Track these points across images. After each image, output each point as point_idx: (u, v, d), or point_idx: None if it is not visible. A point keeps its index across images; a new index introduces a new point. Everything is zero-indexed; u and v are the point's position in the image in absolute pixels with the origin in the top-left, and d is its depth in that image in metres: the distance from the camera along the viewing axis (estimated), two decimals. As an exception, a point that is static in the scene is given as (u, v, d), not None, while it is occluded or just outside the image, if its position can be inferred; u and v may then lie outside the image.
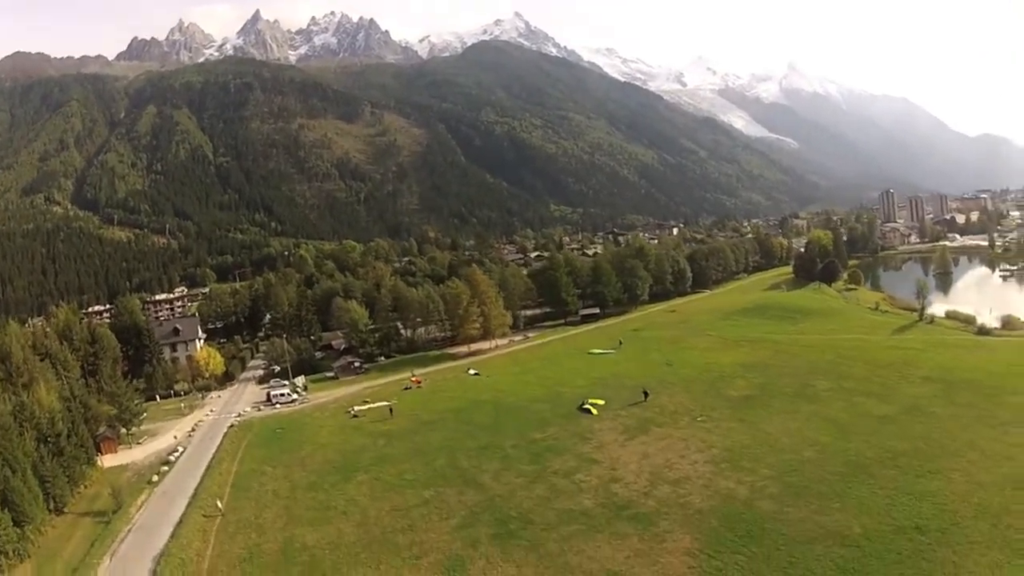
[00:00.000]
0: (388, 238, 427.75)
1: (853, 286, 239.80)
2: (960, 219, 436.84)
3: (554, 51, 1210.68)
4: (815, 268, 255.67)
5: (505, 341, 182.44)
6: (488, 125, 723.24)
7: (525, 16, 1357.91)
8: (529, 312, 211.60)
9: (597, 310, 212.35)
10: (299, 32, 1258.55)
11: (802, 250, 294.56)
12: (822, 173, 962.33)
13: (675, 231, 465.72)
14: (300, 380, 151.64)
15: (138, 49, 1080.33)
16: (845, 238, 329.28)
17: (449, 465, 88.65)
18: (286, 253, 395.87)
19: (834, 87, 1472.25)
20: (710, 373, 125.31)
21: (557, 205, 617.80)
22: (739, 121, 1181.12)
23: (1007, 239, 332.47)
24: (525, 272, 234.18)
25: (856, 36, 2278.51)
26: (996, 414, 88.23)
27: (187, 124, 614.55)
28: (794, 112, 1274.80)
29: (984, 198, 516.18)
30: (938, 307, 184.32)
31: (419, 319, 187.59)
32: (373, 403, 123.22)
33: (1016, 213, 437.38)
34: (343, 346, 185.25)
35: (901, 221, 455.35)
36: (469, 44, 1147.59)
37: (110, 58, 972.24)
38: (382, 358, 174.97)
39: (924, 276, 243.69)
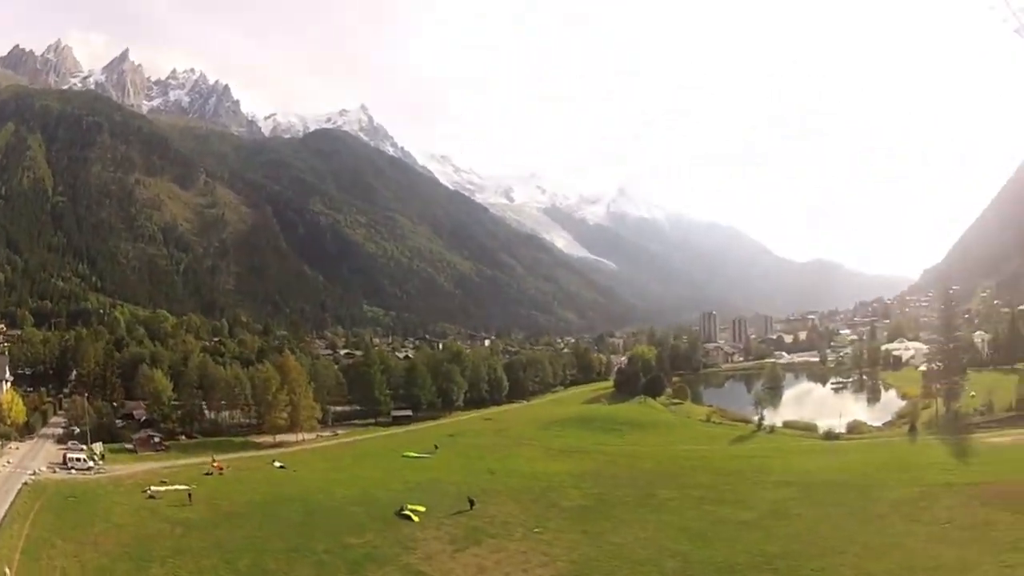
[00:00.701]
0: (202, 314, 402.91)
1: (679, 400, 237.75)
2: (788, 338, 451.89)
3: (391, 150, 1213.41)
4: (638, 382, 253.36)
5: (313, 436, 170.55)
6: (314, 215, 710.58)
7: (371, 110, 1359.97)
8: (339, 408, 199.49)
9: (410, 412, 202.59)
10: (157, 83, 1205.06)
11: (624, 364, 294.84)
12: (641, 295, 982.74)
13: (487, 343, 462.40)
14: (98, 447, 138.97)
15: (16, 58, 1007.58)
16: (667, 354, 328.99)
17: (255, 566, 74.66)
18: (101, 311, 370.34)
19: (661, 213, 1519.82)
20: (539, 482, 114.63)
21: (371, 306, 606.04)
22: (561, 240, 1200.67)
23: (840, 354, 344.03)
24: (337, 367, 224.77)
25: (690, 166, 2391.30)
26: (871, 509, 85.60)
27: (37, 152, 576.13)
28: (618, 235, 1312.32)
29: (811, 319, 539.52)
30: (772, 418, 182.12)
31: (224, 401, 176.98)
32: (171, 485, 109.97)
33: (847, 331, 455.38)
34: (144, 417, 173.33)
35: (723, 341, 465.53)
36: (312, 129, 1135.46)
37: None
38: (183, 437, 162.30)
39: (748, 392, 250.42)
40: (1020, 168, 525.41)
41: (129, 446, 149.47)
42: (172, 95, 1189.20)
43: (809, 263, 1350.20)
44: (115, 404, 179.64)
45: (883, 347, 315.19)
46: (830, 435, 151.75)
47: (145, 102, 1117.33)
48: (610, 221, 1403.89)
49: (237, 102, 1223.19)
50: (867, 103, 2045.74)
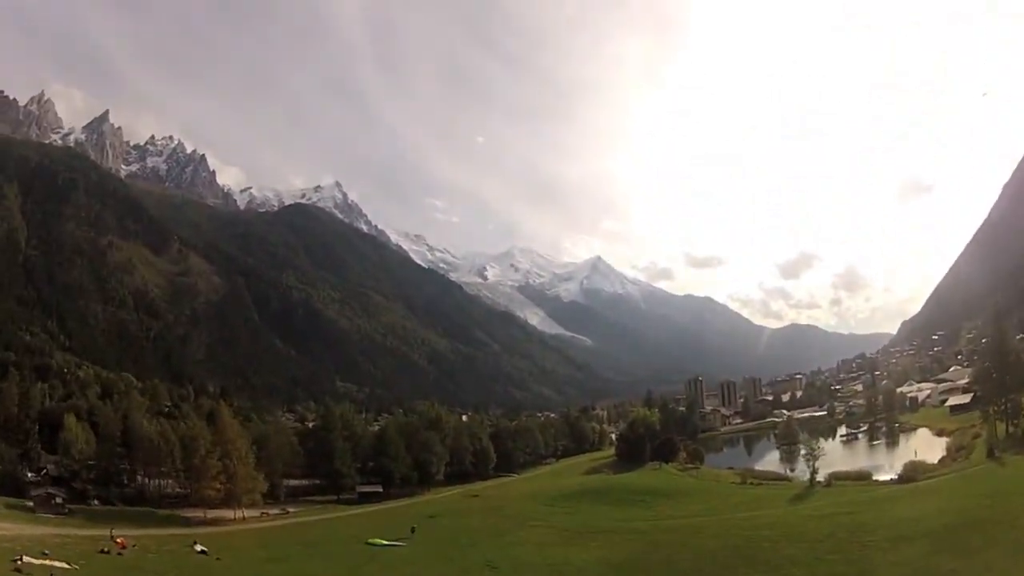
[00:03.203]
0: (170, 383, 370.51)
1: (695, 464, 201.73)
2: (785, 397, 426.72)
3: (365, 228, 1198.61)
4: (644, 448, 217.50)
5: (256, 513, 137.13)
6: (287, 289, 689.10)
7: (345, 187, 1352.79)
8: (294, 482, 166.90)
9: (380, 488, 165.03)
10: (136, 147, 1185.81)
11: (624, 430, 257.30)
12: (616, 368, 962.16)
13: (464, 418, 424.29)
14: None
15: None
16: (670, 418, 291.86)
17: None
18: (65, 371, 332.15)
19: (636, 288, 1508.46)
20: None
21: (343, 382, 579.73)
22: (535, 318, 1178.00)
23: (849, 404, 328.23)
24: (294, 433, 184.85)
25: (662, 239, 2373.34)
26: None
27: (11, 203, 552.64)
28: (592, 310, 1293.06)
29: (800, 378, 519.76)
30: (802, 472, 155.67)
31: (149, 464, 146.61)
32: (52, 560, 77.64)
33: (837, 386, 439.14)
34: (55, 474, 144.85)
35: (710, 407, 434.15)
36: (286, 204, 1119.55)
37: None
38: (96, 501, 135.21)
39: (748, 455, 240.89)
40: (993, 209, 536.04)
41: (30, 504, 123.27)
42: (150, 161, 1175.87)
43: (784, 327, 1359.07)
44: (31, 455, 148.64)
45: (898, 390, 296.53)
46: (907, 477, 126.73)
47: (123, 166, 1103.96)
48: (584, 298, 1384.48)
49: (213, 173, 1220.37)
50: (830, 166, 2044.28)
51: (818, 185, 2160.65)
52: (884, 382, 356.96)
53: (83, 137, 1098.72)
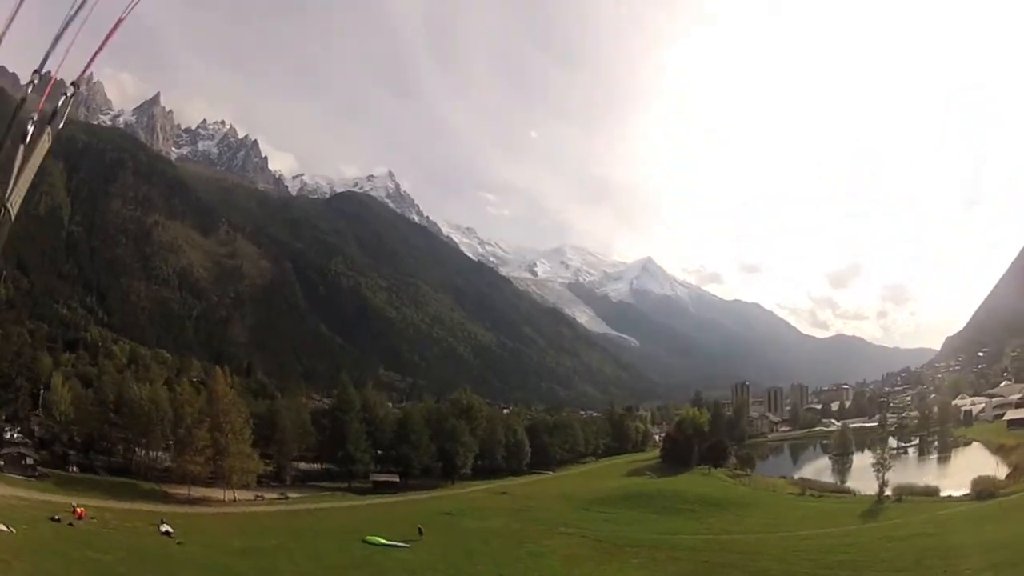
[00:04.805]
0: (208, 363, 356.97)
1: (745, 471, 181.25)
2: (833, 406, 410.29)
3: (416, 218, 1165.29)
4: (692, 451, 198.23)
5: (250, 496, 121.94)
6: (335, 275, 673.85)
7: (398, 178, 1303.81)
8: (306, 466, 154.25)
9: (396, 479, 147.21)
10: (187, 131, 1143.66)
11: (671, 431, 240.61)
12: (662, 371, 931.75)
13: (505, 412, 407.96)
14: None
15: (45, 87, 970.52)
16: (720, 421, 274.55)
17: None
18: (99, 344, 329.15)
19: (684, 291, 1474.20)
20: None
21: (387, 371, 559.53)
22: (584, 316, 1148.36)
23: (901, 416, 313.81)
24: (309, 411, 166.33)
25: (712, 243, 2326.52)
26: None
27: (56, 180, 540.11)
28: (641, 311, 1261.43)
29: (846, 388, 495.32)
30: (860, 485, 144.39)
31: (138, 432, 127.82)
32: None
33: (908, 398, 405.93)
34: (41, 435, 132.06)
35: (756, 413, 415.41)
36: (338, 191, 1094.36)
37: (23, 82, 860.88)
38: (75, 468, 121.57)
39: (793, 463, 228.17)
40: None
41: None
42: (201, 145, 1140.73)
43: (831, 338, 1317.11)
44: (19, 415, 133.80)
45: (953, 402, 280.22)
46: (980, 494, 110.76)
47: (174, 149, 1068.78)
48: (633, 298, 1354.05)
49: (265, 158, 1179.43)
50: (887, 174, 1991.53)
51: (869, 196, 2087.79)
52: (932, 395, 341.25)
53: (133, 119, 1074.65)
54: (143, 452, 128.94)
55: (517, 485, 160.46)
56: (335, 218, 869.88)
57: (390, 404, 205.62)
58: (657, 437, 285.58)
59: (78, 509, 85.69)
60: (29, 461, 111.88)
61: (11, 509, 78.03)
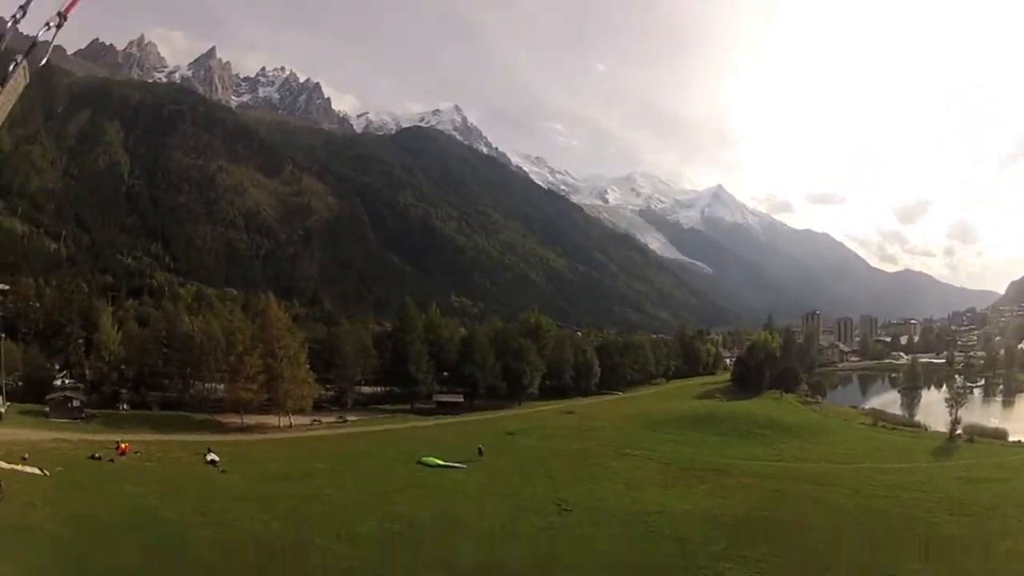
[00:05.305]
0: (281, 299, 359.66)
1: (816, 398, 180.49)
2: (902, 340, 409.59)
3: (484, 150, 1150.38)
4: (763, 376, 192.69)
5: (307, 420, 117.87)
6: (404, 207, 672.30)
7: (464, 111, 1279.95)
8: (368, 389, 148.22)
9: (461, 399, 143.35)
10: (246, 79, 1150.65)
11: (743, 354, 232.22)
12: (732, 299, 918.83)
13: (579, 336, 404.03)
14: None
15: (95, 51, 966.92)
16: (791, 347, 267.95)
17: None
18: (165, 289, 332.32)
19: (755, 219, 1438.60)
20: (653, 542, 53.69)
21: (459, 297, 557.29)
22: (655, 243, 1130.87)
23: (968, 355, 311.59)
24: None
25: (782, 173, 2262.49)
26: None
27: (113, 138, 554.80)
28: (712, 239, 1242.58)
29: (914, 323, 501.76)
30: (929, 421, 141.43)
31: (190, 366, 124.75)
32: (26, 467, 67.61)
33: (974, 339, 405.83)
34: (91, 378, 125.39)
35: (825, 343, 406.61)
36: (404, 127, 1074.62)
37: (69, 52, 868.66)
38: (126, 406, 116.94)
39: (862, 395, 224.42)
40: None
41: (47, 409, 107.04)
42: (261, 91, 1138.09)
43: (899, 273, 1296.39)
44: (70, 359, 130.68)
45: (1020, 346, 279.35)
46: None
47: (234, 98, 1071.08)
48: (704, 225, 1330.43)
49: (328, 100, 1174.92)
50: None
51: (940, 131, 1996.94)
52: (998, 338, 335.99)
53: (189, 73, 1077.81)
54: (197, 384, 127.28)
55: (584, 405, 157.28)
56: (402, 153, 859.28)
57: (462, 330, 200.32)
58: (728, 361, 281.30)
59: (122, 445, 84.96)
60: (75, 403, 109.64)
61: (49, 453, 77.19)
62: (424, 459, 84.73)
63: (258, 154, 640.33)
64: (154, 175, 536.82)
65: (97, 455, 78.94)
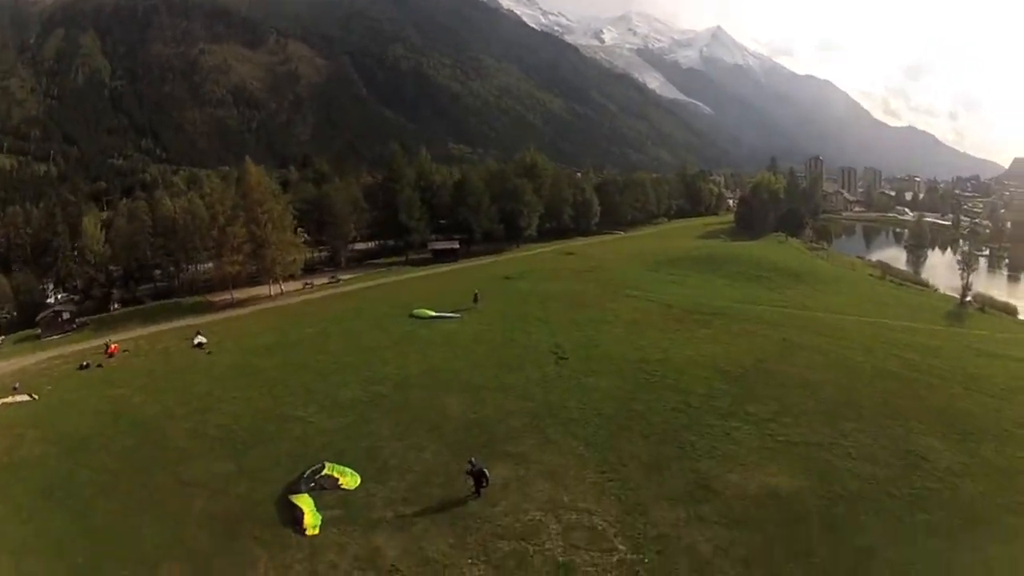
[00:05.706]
0: (277, 168, 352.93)
1: (822, 244, 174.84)
2: (907, 196, 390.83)
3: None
4: (767, 216, 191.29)
5: (298, 285, 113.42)
6: (394, 60, 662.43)
7: None
8: (362, 245, 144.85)
9: (457, 245, 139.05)
10: None
11: (746, 195, 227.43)
12: (733, 141, 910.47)
13: (579, 176, 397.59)
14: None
15: None
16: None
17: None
18: (160, 180, 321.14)
19: (756, 61, 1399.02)
20: (653, 392, 50.47)
21: (456, 144, 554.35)
22: (654, 82, 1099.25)
23: (974, 221, 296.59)
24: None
25: (783, 15, 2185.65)
26: None
27: (91, 47, 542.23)
28: (711, 79, 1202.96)
29: (918, 181, 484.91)
30: (935, 281, 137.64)
31: (176, 247, 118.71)
32: (16, 396, 63.73)
33: (979, 207, 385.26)
34: (81, 287, 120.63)
35: (830, 189, 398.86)
36: None
37: None
38: (116, 305, 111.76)
39: (866, 247, 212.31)
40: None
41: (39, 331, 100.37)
42: None
43: (903, 129, 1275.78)
44: (60, 273, 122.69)
45: None
46: None
47: None
48: (703, 65, 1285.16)
49: None
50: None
51: None
52: (1003, 211, 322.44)
53: None
54: (187, 268, 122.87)
55: (584, 246, 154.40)
56: (388, 7, 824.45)
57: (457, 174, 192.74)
58: (731, 202, 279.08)
59: (111, 347, 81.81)
60: (65, 316, 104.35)
61: (40, 374, 73.58)
62: (416, 311, 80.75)
63: (240, 29, 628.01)
64: (135, 72, 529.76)
65: (85, 363, 75.99)
